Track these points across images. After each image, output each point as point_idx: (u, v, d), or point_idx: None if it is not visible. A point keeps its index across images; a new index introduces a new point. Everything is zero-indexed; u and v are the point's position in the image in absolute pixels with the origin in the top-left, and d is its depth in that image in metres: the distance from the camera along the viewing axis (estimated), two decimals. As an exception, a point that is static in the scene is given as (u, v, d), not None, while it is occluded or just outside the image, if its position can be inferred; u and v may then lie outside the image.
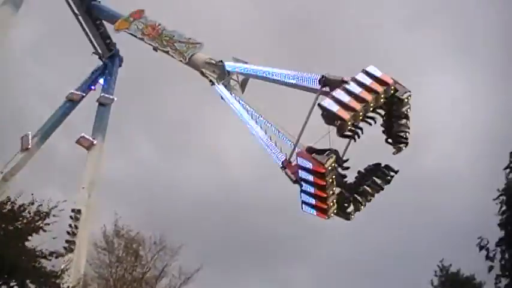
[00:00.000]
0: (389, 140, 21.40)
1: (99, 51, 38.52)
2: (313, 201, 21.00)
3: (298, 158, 20.83)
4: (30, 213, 20.91)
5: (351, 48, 64.68)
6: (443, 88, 64.10)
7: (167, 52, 31.66)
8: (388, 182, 21.84)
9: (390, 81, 20.45)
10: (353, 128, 20.67)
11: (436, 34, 70.36)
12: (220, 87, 28.34)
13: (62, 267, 22.78)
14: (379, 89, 20.27)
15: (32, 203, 21.01)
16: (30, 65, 60.05)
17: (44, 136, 36.45)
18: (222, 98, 28.14)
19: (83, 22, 37.14)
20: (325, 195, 20.55)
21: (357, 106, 19.87)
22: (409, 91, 20.89)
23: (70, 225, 30.78)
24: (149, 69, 51.90)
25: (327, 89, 21.79)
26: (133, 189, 58.62)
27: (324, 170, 19.90)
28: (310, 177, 20.54)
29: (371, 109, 20.57)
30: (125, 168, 59.10)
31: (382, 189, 21.90)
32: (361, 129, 20.94)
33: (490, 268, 15.36)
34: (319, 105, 20.48)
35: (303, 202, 21.22)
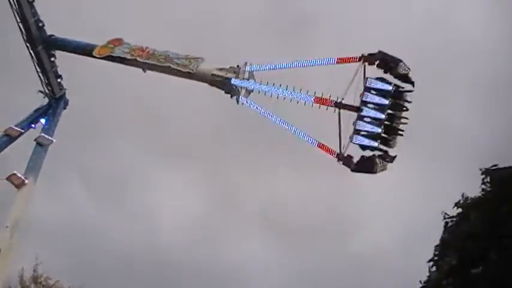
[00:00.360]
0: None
1: (47, 90, 37.93)
2: (369, 127, 25.33)
3: (369, 78, 25.56)
4: None
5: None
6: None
7: (168, 67, 31.16)
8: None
9: (390, 88, 25.12)
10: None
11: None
12: (235, 81, 29.61)
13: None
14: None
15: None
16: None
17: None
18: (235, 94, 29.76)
19: (35, 59, 36.47)
20: (383, 116, 25.42)
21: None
22: (408, 68, 25.30)
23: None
24: (93, 118, 51.56)
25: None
26: (60, 235, 56.66)
27: (391, 87, 25.20)
28: (376, 99, 25.29)
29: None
30: (54, 213, 57.18)
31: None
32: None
33: None
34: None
35: (357, 130, 25.46)
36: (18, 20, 35.12)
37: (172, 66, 31.10)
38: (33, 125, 37.65)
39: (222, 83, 29.92)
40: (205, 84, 30.66)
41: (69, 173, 60.71)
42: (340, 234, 60.86)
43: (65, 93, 38.52)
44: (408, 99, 25.37)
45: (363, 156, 25.42)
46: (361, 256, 57.85)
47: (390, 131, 25.32)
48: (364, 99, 25.14)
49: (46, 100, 38.09)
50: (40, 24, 35.90)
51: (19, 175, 33.91)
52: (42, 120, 37.63)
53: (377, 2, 57.74)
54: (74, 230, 57.89)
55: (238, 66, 30.04)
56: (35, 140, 36.11)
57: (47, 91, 37.85)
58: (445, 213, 16.75)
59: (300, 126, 27.82)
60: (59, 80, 37.85)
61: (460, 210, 16.42)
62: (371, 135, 25.16)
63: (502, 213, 14.35)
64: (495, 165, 16.13)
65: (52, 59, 36.95)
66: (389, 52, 25.53)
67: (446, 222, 16.67)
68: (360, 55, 25.93)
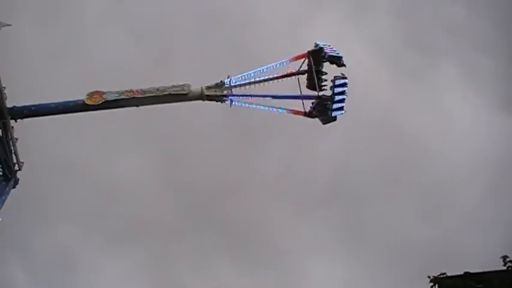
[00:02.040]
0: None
1: (-1, 167, 36.67)
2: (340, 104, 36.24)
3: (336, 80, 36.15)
4: None
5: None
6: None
7: (168, 95, 34.66)
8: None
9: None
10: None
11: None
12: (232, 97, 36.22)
13: None
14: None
15: None
16: None
17: None
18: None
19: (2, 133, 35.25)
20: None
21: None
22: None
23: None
24: (41, 198, 50.29)
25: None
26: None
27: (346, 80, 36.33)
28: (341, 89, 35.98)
29: None
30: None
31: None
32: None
33: None
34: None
35: (334, 109, 36.31)
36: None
37: (171, 92, 34.64)
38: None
39: (216, 98, 36.14)
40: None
41: (9, 252, 58.30)
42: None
43: (16, 172, 37.43)
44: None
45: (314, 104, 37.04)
46: None
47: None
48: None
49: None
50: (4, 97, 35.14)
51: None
52: (-11, 198, 36.34)
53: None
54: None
55: (221, 81, 36.29)
56: (-21, 218, 34.74)
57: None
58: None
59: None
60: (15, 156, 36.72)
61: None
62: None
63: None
64: (443, 273, 16.17)
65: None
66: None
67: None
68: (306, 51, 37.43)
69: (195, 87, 35.87)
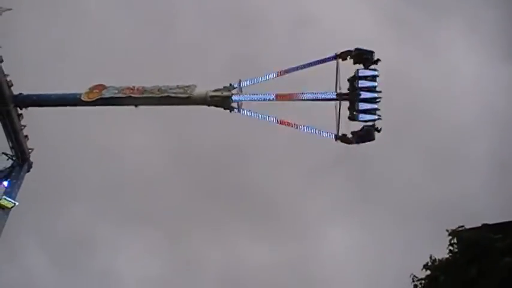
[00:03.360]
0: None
1: (11, 152, 37.21)
2: (368, 106, 31.36)
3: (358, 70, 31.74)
4: None
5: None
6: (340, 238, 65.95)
7: (167, 97, 32.47)
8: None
9: (376, 73, 31.53)
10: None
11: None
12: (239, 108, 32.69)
13: None
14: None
15: None
16: None
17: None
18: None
19: (6, 119, 35.87)
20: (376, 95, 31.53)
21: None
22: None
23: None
24: (56, 180, 50.74)
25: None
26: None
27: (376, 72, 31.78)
28: (368, 83, 31.62)
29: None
30: (13, 277, 55.31)
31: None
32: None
33: None
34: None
35: (360, 111, 31.32)
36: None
37: (171, 95, 32.35)
38: (-1, 185, 36.89)
39: (222, 101, 32.62)
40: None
41: (29, 235, 59.14)
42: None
43: (29, 156, 37.95)
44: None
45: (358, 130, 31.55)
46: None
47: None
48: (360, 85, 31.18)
49: (9, 162, 37.46)
50: (9, 84, 35.57)
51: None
52: (5, 183, 36.86)
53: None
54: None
55: (231, 84, 32.93)
56: (-3, 202, 35.27)
57: (11, 153, 37.24)
58: (414, 276, 16.71)
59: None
60: (26, 141, 37.28)
61: (428, 272, 16.44)
62: (371, 111, 31.26)
63: (471, 274, 14.46)
64: (462, 226, 16.35)
65: (20, 118, 36.42)
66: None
67: (416, 285, 16.61)
68: (334, 54, 32.25)
69: (200, 90, 33.07)
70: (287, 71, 32.53)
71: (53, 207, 56.75)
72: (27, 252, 60.71)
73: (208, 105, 32.74)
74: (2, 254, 36.08)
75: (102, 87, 34.26)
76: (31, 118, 36.17)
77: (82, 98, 34.08)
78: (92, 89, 34.23)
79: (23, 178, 37.11)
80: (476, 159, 54.93)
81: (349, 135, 31.78)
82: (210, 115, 34.23)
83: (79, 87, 35.20)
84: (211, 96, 32.67)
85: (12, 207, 35.19)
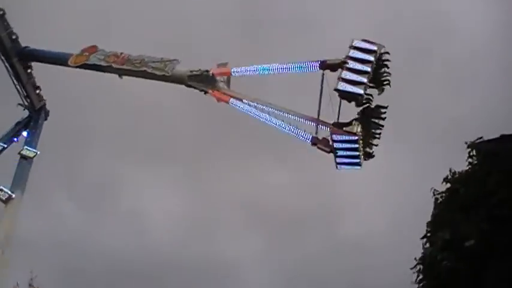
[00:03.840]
0: (372, 84, 26.10)
1: (26, 102, 37.66)
2: (348, 160, 27.04)
3: (333, 134, 26.46)
4: None
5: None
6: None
7: (143, 71, 31.44)
8: (384, 118, 26.98)
9: (375, 48, 26.07)
10: (367, 97, 25.94)
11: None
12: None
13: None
14: (372, 58, 25.86)
15: None
16: None
17: None
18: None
19: (11, 72, 36.30)
20: (358, 153, 26.63)
21: (364, 79, 25.45)
22: (383, 46, 26.38)
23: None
24: (75, 125, 51.25)
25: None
26: (51, 247, 56.34)
27: (356, 137, 26.06)
28: (346, 145, 26.43)
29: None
30: (43, 225, 56.83)
31: (382, 126, 27.16)
32: (371, 95, 26.14)
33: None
34: (336, 90, 25.53)
35: (338, 163, 27.16)
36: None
37: (148, 70, 31.41)
38: (15, 139, 37.53)
39: (200, 79, 30.58)
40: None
41: (55, 183, 60.35)
42: (328, 221, 61.15)
43: (45, 104, 38.36)
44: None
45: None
46: (353, 240, 58.26)
47: (376, 82, 26.40)
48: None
49: (26, 113, 37.93)
50: (13, 37, 35.66)
51: (6, 190, 33.74)
52: (24, 133, 37.50)
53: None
54: (65, 239, 57.68)
55: (206, 70, 30.55)
56: (18, 153, 35.92)
57: (26, 103, 37.64)
58: (435, 190, 16.81)
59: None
60: (37, 91, 37.70)
61: (448, 185, 16.52)
62: (354, 164, 27.40)
63: (490, 185, 14.51)
64: (480, 138, 16.27)
65: (29, 70, 36.74)
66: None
67: (436, 198, 16.71)
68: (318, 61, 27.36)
69: (180, 69, 31.00)
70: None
71: (74, 153, 57.69)
72: (54, 199, 62.25)
73: (187, 86, 30.97)
74: (30, 203, 36.95)
75: (93, 49, 34.06)
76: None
77: (69, 62, 34.30)
78: (82, 52, 34.18)
79: (41, 127, 37.67)
80: (494, 71, 54.05)
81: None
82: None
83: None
84: (190, 75, 30.82)
85: (34, 156, 35.86)
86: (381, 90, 26.57)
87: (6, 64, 36.01)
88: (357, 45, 26.19)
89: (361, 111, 26.55)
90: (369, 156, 27.45)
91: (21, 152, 35.79)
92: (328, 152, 27.08)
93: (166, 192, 65.70)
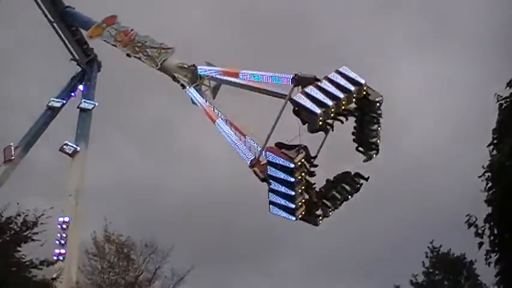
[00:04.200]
0: (360, 148, 22.10)
1: (77, 57, 38.28)
2: (281, 201, 20.83)
3: (268, 152, 20.76)
4: (17, 225, 20.89)
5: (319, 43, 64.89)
6: (416, 73, 64.60)
7: (139, 58, 31.75)
8: (358, 189, 22.34)
9: (362, 81, 20.99)
10: (325, 124, 20.85)
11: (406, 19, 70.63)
12: (191, 90, 28.47)
13: (54, 275, 22.57)
14: (351, 87, 20.73)
15: (19, 215, 20.93)
16: (7, 75, 59.49)
17: (27, 146, 36.40)
18: (192, 100, 28.26)
19: (58, 29, 36.95)
20: (293, 193, 20.50)
21: (329, 102, 20.16)
22: (381, 96, 21.50)
23: (59, 234, 30.59)
24: (128, 72, 51.82)
25: (299, 88, 21.53)
26: (119, 193, 58.39)
27: (293, 165, 20.02)
28: (280, 174, 20.44)
29: (343, 107, 20.81)
30: (109, 173, 58.85)
31: (352, 195, 22.31)
32: (332, 126, 21.25)
33: (480, 244, 15.45)
34: (291, 100, 20.75)
35: (271, 202, 21.05)
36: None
37: (142, 58, 31.62)
38: (72, 94, 38.38)
39: (187, 70, 29.58)
40: None
41: (115, 131, 61.94)
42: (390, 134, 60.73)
43: (96, 56, 38.83)
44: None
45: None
46: (415, 155, 57.57)
47: (365, 144, 22.30)
48: (268, 173, 20.95)
49: (79, 68, 38.60)
50: None
51: (71, 144, 34.82)
52: (80, 87, 38.28)
53: None
54: (132, 185, 59.69)
55: (194, 65, 29.42)
56: (77, 107, 36.80)
57: (77, 58, 38.22)
58: (498, 95, 16.04)
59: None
60: (84, 46, 38.14)
61: (512, 89, 15.73)
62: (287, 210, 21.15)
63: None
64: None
65: (73, 27, 37.11)
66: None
67: (501, 104, 15.97)
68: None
69: (171, 61, 30.70)
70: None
71: (131, 100, 58.70)
72: (116, 146, 64.12)
73: (172, 79, 30.21)
74: (94, 152, 38.06)
75: (112, 20, 34.04)
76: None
77: (87, 33, 34.90)
78: (102, 22, 34.20)
79: (95, 78, 38.29)
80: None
81: None
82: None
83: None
84: (179, 67, 30.05)
85: (92, 108, 36.66)
86: (369, 158, 22.56)
87: (54, 23, 36.72)
88: (343, 71, 21.22)
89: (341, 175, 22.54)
90: (312, 218, 22.04)
91: (80, 105, 36.64)
92: (262, 180, 21.71)
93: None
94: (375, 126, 21.92)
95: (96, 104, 36.93)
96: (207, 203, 60.58)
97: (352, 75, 21.05)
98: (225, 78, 27.74)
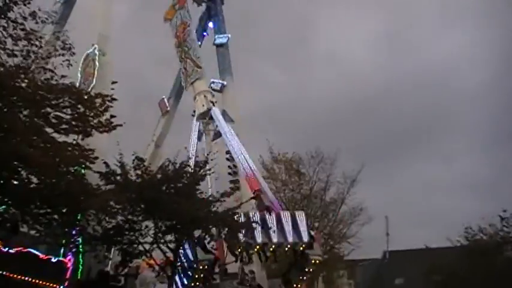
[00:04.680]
0: None
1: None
2: None
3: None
4: (191, 167, 22.49)
5: None
6: None
7: (182, 68, 34.32)
8: None
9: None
10: None
11: None
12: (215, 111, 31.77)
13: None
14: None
15: (189, 158, 22.48)
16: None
17: (178, 95, 38.49)
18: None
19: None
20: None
21: None
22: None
23: (229, 167, 31.96)
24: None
25: None
26: (272, 115, 60.19)
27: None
28: None
29: None
30: (258, 98, 60.60)
31: None
32: None
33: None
34: None
35: None
36: None
37: (182, 70, 34.22)
38: (205, 33, 39.15)
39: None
40: None
41: (253, 57, 63.14)
42: None
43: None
44: None
45: None
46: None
47: None
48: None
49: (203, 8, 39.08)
50: None
51: (217, 81, 35.83)
52: (210, 24, 38.79)
53: None
54: (279, 102, 61.12)
55: (208, 109, 32.11)
56: (213, 44, 37.54)
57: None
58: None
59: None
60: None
61: None
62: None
63: None
64: None
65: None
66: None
67: None
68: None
69: (199, 85, 33.10)
70: None
71: (261, 22, 59.06)
72: (259, 72, 65.66)
73: (194, 99, 33.19)
74: (240, 83, 38.93)
75: (183, 2, 35.73)
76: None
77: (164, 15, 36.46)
78: (175, 2, 35.95)
79: (221, 12, 38.46)
80: None
81: None
82: None
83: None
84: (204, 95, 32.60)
85: (227, 41, 37.17)
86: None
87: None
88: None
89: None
90: None
91: (215, 42, 37.33)
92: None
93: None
94: None
95: (229, 35, 37.37)
96: (355, 100, 61.33)
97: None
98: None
